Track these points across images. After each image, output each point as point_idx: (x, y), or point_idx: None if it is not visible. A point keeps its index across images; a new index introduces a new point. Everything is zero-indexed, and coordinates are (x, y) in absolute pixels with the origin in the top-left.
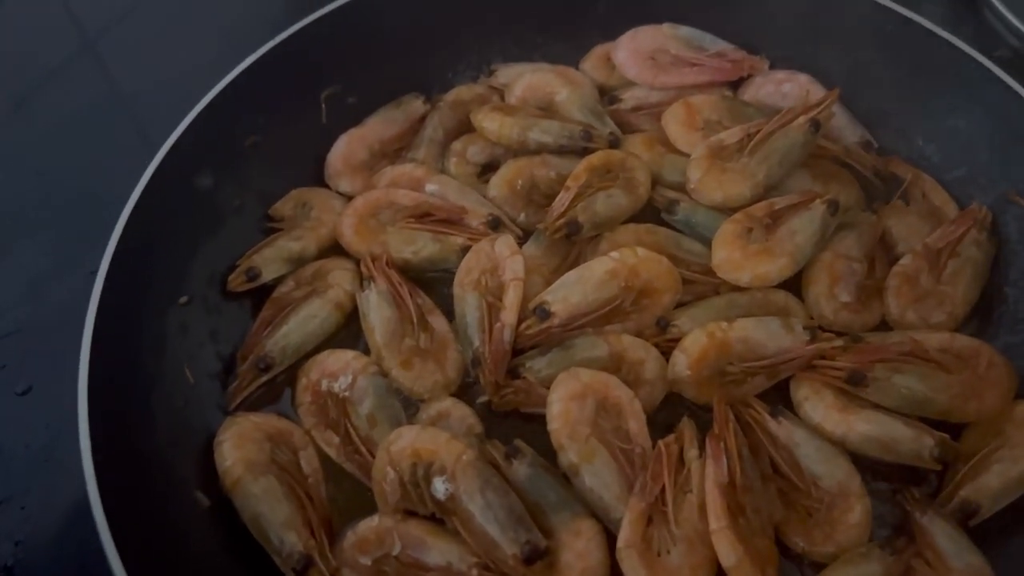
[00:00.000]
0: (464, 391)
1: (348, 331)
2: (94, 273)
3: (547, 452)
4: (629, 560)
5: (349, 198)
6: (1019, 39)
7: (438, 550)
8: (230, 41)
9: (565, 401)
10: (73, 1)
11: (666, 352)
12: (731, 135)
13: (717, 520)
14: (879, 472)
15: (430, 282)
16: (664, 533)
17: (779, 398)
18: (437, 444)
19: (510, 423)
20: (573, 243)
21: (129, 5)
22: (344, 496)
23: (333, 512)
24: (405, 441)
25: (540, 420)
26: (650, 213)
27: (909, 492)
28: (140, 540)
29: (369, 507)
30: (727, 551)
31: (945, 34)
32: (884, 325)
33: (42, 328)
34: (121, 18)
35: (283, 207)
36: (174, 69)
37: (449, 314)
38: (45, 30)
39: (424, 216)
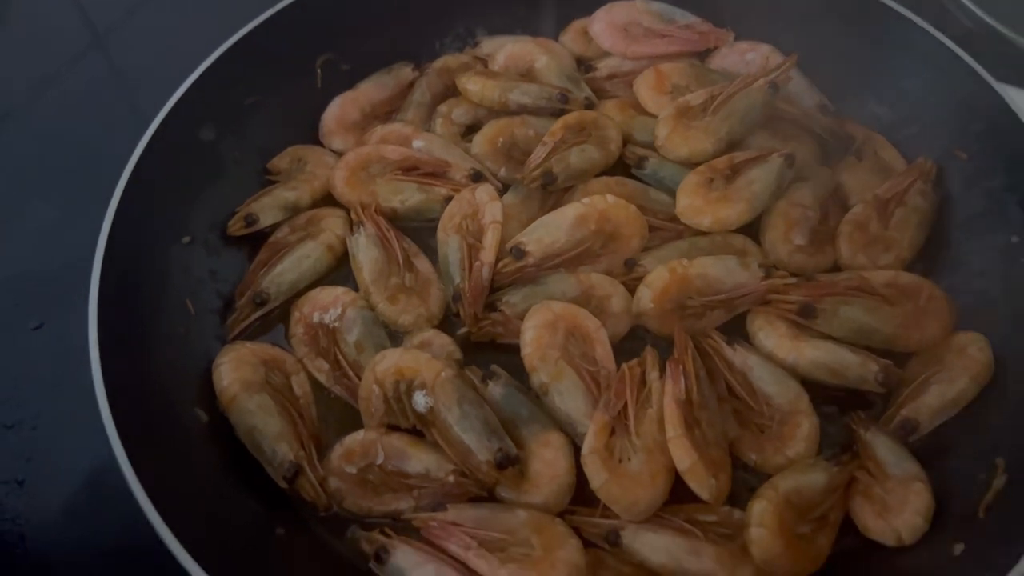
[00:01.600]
0: (446, 325)
1: (339, 274)
2: (99, 223)
3: (520, 378)
4: (592, 465)
5: (341, 155)
6: (972, 20)
7: (418, 459)
8: (231, 22)
9: (538, 328)
10: None
11: (633, 290)
12: (696, 97)
13: (674, 429)
14: (829, 397)
15: (417, 232)
16: (626, 444)
17: (737, 331)
18: (419, 362)
19: (487, 354)
20: (549, 193)
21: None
22: (333, 417)
23: (322, 431)
24: (389, 361)
25: (515, 350)
26: (621, 170)
27: (855, 413)
28: (147, 450)
29: (355, 426)
30: (682, 456)
31: (897, 6)
32: (836, 269)
33: (53, 271)
34: (129, 6)
35: (280, 161)
36: (178, 45)
37: (434, 261)
38: (57, 18)
39: (411, 169)
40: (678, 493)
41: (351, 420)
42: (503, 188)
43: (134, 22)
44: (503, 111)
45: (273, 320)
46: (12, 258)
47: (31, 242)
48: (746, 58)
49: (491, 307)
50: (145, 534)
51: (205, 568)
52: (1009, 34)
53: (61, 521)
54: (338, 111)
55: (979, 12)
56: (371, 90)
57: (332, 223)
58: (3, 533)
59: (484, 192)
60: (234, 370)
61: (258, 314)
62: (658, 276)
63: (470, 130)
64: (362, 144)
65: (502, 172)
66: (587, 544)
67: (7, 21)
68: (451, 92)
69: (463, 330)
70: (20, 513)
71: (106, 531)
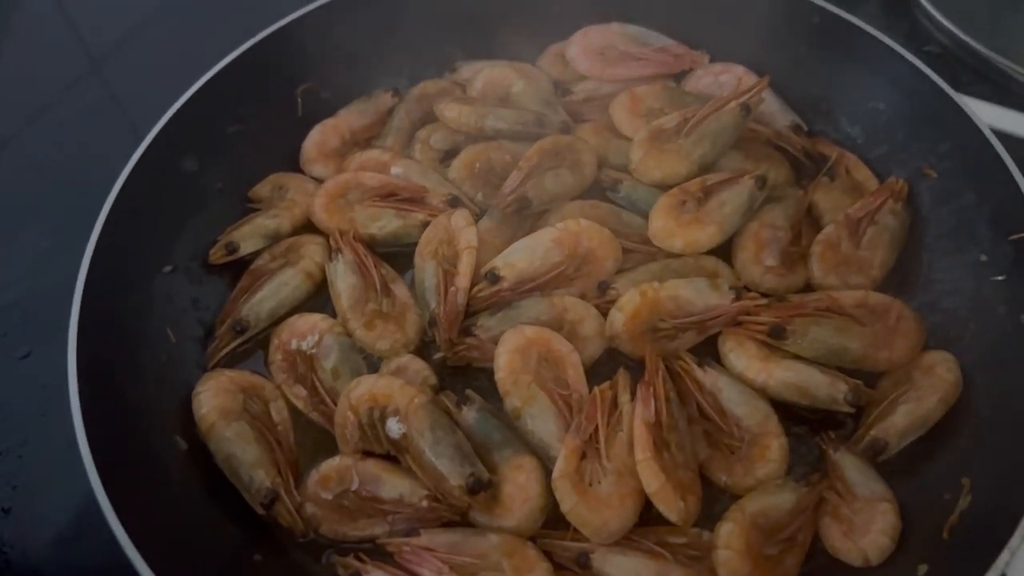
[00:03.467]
0: (422, 350)
1: (317, 300)
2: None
3: (498, 401)
4: (563, 488)
5: (322, 182)
6: (946, 36)
7: (392, 484)
8: (228, 45)
9: (510, 353)
10: (78, 18)
11: (605, 313)
12: (670, 120)
13: (642, 452)
14: (800, 417)
15: (395, 257)
16: (596, 467)
17: (709, 352)
18: (392, 389)
19: (462, 378)
20: (524, 218)
21: (131, 24)
22: (310, 443)
23: (300, 456)
24: (364, 388)
25: (490, 373)
26: (596, 194)
27: (825, 434)
28: (125, 479)
29: (333, 452)
30: (650, 479)
31: (866, 26)
32: (809, 289)
33: (41, 300)
34: (124, 35)
35: (261, 189)
36: (163, 73)
37: (412, 287)
38: (54, 47)
39: (389, 195)
40: (649, 516)
41: (329, 446)
42: (480, 213)
43: (129, 47)
44: (480, 136)
45: (254, 347)
46: (1, 287)
47: (20, 270)
48: (720, 80)
49: (466, 331)
50: (128, 562)
51: None
52: (983, 51)
53: (47, 548)
54: (318, 138)
55: (953, 28)
56: (351, 117)
57: (311, 250)
58: None
59: (460, 217)
60: (213, 398)
61: (238, 342)
62: (630, 299)
63: (449, 155)
64: (342, 171)
65: (479, 197)
66: (558, 567)
67: (4, 48)
68: (430, 118)
69: (439, 355)
70: (6, 540)
71: (91, 557)
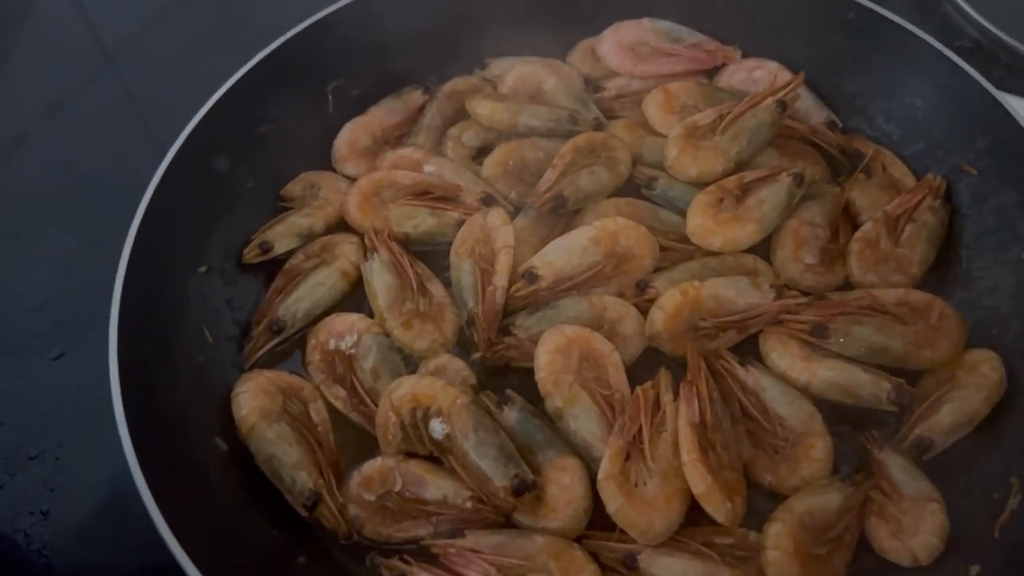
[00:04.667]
0: (460, 350)
1: (353, 300)
2: (118, 252)
3: (535, 402)
4: (608, 490)
5: (354, 180)
6: (978, 31)
7: (436, 486)
8: (242, 43)
9: (551, 353)
10: (94, 15)
11: (645, 311)
12: (705, 116)
13: (688, 453)
14: (843, 417)
15: (430, 256)
16: (641, 468)
17: (750, 352)
18: (434, 390)
19: (501, 378)
20: (560, 216)
21: (146, 21)
22: (350, 444)
23: (340, 457)
24: (405, 388)
25: (529, 373)
26: (631, 191)
27: (869, 433)
28: (168, 481)
29: (373, 453)
30: (697, 480)
31: (903, 22)
32: (847, 287)
33: (72, 302)
34: (139, 32)
35: (293, 188)
36: (190, 74)
37: (448, 286)
38: (70, 43)
39: (423, 194)
40: (694, 516)
41: (369, 446)
42: (514, 211)
43: (145, 44)
44: (513, 134)
45: (290, 347)
46: (32, 288)
47: (50, 271)
48: (754, 75)
49: (505, 331)
50: (168, 563)
51: None
52: (1017, 45)
53: (85, 550)
54: (350, 136)
55: (986, 23)
56: (382, 115)
57: (346, 249)
58: (29, 563)
59: (496, 216)
60: (252, 399)
61: (274, 342)
62: (670, 298)
63: (481, 152)
64: (374, 169)
65: (513, 195)
66: (604, 568)
67: (21, 46)
68: (461, 115)
69: (477, 355)
70: (46, 543)
71: (129, 560)
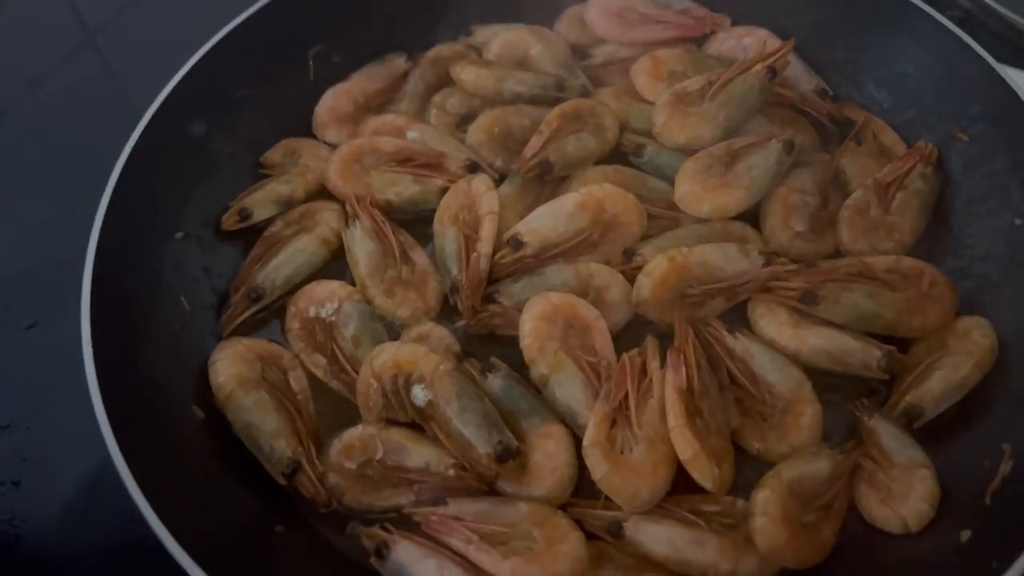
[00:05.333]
0: (443, 318)
1: (334, 268)
2: (91, 222)
3: (520, 370)
4: (594, 456)
5: (335, 148)
6: (970, 1)
7: (417, 453)
8: (222, 17)
9: (536, 320)
10: None
11: (632, 279)
12: (694, 83)
13: (675, 419)
14: (833, 385)
15: (412, 224)
16: (627, 435)
17: (738, 319)
18: (417, 356)
19: (486, 346)
20: (544, 184)
21: None
22: (330, 413)
23: (320, 426)
24: (387, 355)
25: (514, 341)
26: (619, 159)
27: (859, 401)
28: (143, 449)
29: (354, 422)
30: (684, 446)
31: None
32: (838, 255)
33: (44, 272)
34: (120, 7)
35: (273, 155)
36: (170, 42)
37: (431, 255)
38: (48, 14)
39: (406, 161)
40: (681, 483)
41: (349, 415)
42: (499, 178)
43: (125, 20)
44: (498, 100)
45: (269, 316)
46: (3, 258)
47: (22, 242)
48: (743, 43)
49: (489, 299)
50: (143, 533)
51: (203, 567)
52: (1008, 14)
53: (58, 521)
54: (331, 103)
55: None
56: (364, 81)
57: (327, 216)
58: (0, 534)
59: (480, 182)
60: (230, 367)
61: (253, 309)
62: (657, 265)
63: (465, 120)
64: (356, 136)
65: (498, 162)
66: (589, 536)
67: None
68: (445, 82)
69: (461, 322)
70: (16, 514)
71: (103, 531)
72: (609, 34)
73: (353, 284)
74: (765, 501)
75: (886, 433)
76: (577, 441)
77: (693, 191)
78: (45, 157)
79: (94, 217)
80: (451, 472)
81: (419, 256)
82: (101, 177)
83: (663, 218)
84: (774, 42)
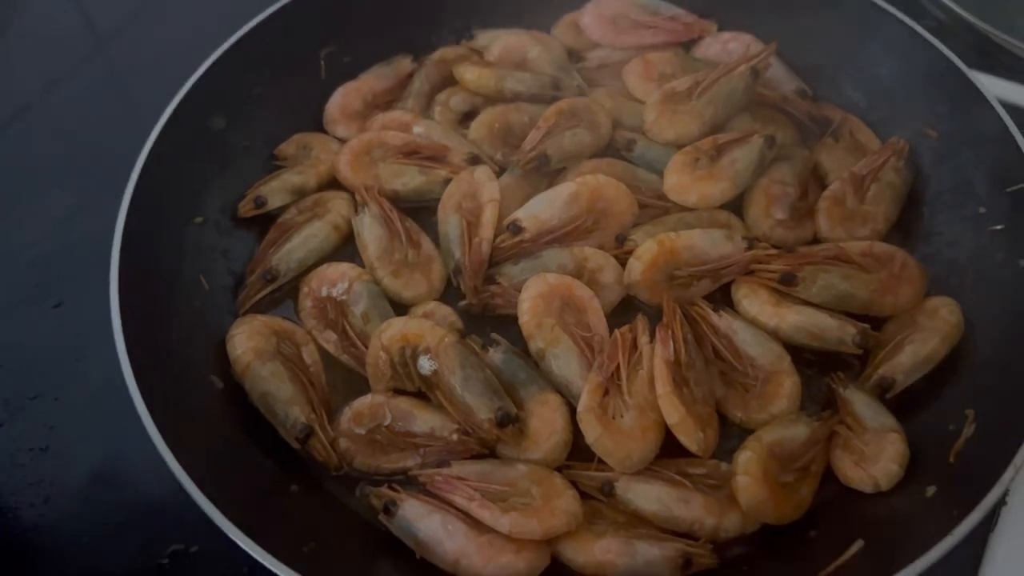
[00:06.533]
0: (447, 299)
1: (344, 254)
2: (116, 209)
3: (519, 347)
4: (587, 421)
5: (345, 142)
6: (943, 11)
7: (423, 420)
8: (229, 26)
9: (534, 298)
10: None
11: (623, 263)
12: (682, 83)
13: (663, 386)
14: (811, 360)
15: (417, 213)
16: (618, 402)
17: (723, 301)
18: (423, 329)
19: (487, 325)
20: (542, 176)
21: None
22: (341, 385)
23: (332, 397)
24: (395, 329)
25: (512, 321)
26: (611, 155)
27: (835, 374)
28: (168, 414)
29: (363, 392)
30: (671, 411)
31: None
32: (816, 242)
33: (71, 255)
34: (130, 10)
35: (287, 148)
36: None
37: (436, 241)
38: (60, 21)
39: (412, 153)
40: (669, 449)
41: (359, 387)
42: (499, 171)
43: (135, 27)
44: (498, 99)
45: (282, 296)
46: (31, 242)
47: (49, 227)
48: (729, 47)
49: (490, 280)
50: (166, 495)
51: (227, 515)
52: (977, 23)
53: (83, 485)
54: (341, 100)
55: (950, 3)
56: (372, 80)
57: (338, 204)
58: (28, 496)
59: (482, 172)
60: (247, 340)
61: (268, 290)
62: (647, 249)
63: (467, 117)
64: (364, 131)
65: (498, 156)
66: (583, 496)
67: (15, 22)
68: (449, 82)
69: (464, 302)
70: (45, 477)
71: (124, 494)
72: (603, 39)
73: (362, 267)
74: (747, 461)
75: (860, 402)
76: (572, 409)
77: (681, 182)
78: (66, 150)
79: (113, 205)
80: (455, 437)
81: (425, 242)
82: (118, 168)
83: (653, 207)
84: (758, 46)
